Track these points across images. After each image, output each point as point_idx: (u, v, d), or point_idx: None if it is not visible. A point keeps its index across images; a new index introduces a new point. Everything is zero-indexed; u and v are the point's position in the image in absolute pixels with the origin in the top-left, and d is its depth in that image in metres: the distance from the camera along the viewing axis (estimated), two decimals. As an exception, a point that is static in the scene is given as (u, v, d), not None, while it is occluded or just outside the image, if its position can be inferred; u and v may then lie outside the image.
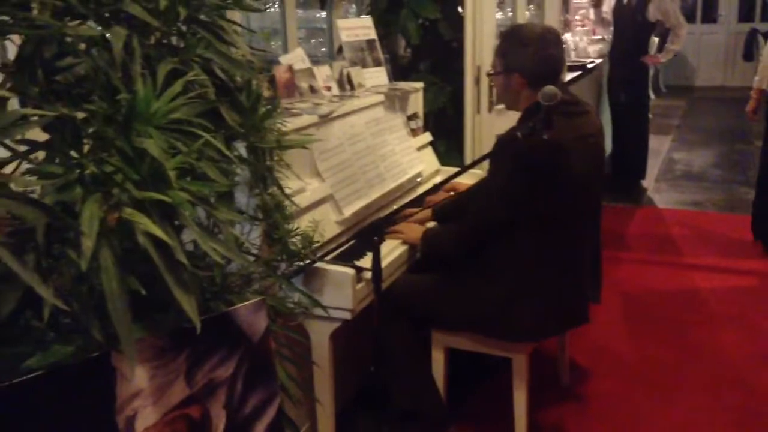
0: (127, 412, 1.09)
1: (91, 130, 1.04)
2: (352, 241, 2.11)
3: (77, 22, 1.09)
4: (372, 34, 2.90)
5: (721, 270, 3.99)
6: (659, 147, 6.97)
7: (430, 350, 2.37)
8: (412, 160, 2.76)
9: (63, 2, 1.04)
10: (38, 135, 1.01)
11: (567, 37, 5.83)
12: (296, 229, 1.73)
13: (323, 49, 3.72)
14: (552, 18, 4.53)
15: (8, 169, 1.00)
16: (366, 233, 1.97)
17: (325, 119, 2.29)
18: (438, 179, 2.91)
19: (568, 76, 4.73)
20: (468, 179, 2.70)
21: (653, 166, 6.14)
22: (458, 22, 3.41)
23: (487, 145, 3.25)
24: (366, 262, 2.05)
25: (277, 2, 3.07)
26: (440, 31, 3.52)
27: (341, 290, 1.97)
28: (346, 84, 2.67)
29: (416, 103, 3.02)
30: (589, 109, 2.24)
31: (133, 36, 1.10)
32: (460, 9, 3.43)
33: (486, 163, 2.17)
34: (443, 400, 2.39)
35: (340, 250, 2.09)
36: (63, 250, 0.97)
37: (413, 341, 2.33)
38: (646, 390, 2.77)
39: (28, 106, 1.03)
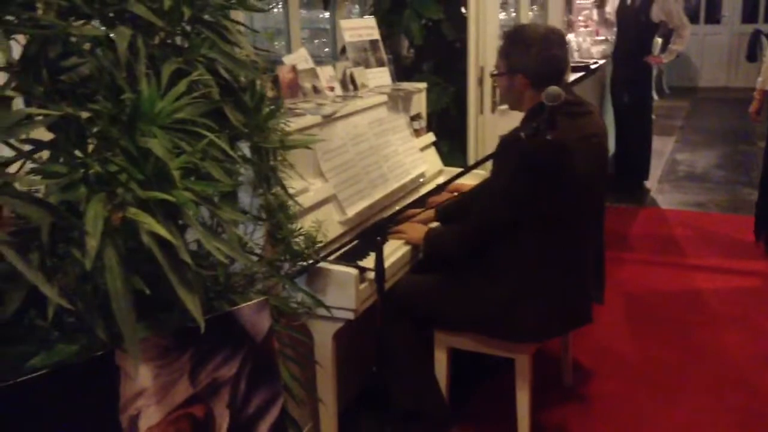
0: (130, 411, 1.09)
1: (95, 129, 1.04)
2: (355, 242, 2.11)
3: (82, 22, 1.09)
4: (375, 35, 2.90)
5: (724, 271, 3.98)
6: (662, 148, 6.96)
7: (433, 350, 2.37)
8: (415, 161, 2.76)
9: (68, 2, 1.04)
10: (43, 134, 1.01)
11: (570, 37, 5.82)
12: (299, 229, 1.73)
13: (326, 49, 3.73)
14: (555, 18, 4.53)
15: (13, 169, 1.00)
16: (369, 233, 1.97)
17: (329, 119, 2.30)
18: (441, 180, 2.91)
19: (572, 77, 4.72)
20: (471, 180, 2.70)
21: (656, 167, 6.13)
22: (461, 22, 3.41)
23: (491, 146, 3.24)
24: (369, 262, 2.05)
25: (281, 2, 3.07)
26: (443, 31, 3.52)
27: (344, 290, 1.97)
28: (349, 84, 2.67)
29: (419, 104, 3.02)
30: (593, 110, 2.24)
31: (138, 36, 1.10)
32: (463, 9, 3.43)
33: (489, 164, 2.17)
34: (446, 400, 2.39)
35: (343, 251, 2.09)
36: (67, 249, 0.97)
37: (416, 341, 2.33)
38: (649, 391, 2.77)
39: (33, 106, 1.03)
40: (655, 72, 6.13)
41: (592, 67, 5.51)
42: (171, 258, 1.01)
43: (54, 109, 1.00)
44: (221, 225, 1.18)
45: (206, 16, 1.26)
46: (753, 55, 9.47)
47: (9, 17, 0.97)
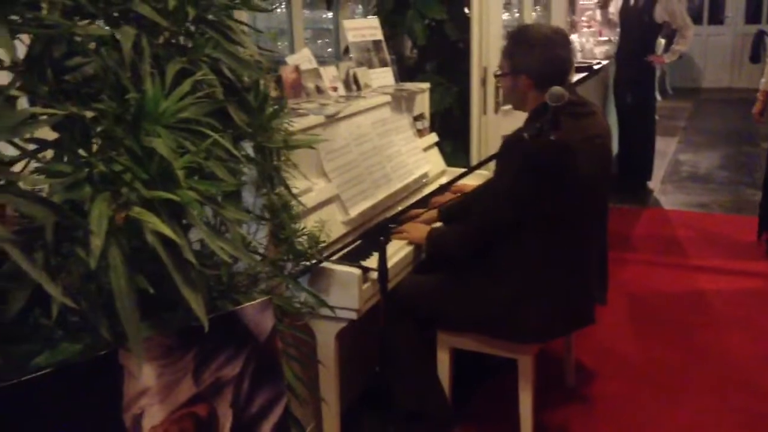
0: (134, 410, 1.09)
1: (99, 129, 1.04)
2: (359, 242, 2.11)
3: (86, 21, 1.09)
4: (378, 35, 2.90)
5: (728, 272, 3.98)
6: (666, 148, 6.96)
7: (436, 351, 2.37)
8: (419, 161, 2.76)
9: (72, 2, 1.04)
10: (47, 134, 1.01)
11: (573, 38, 5.81)
12: (303, 228, 1.73)
13: (330, 49, 3.73)
14: (558, 19, 4.53)
15: (17, 168, 1.01)
16: (372, 233, 1.97)
17: (332, 119, 2.30)
18: (444, 180, 2.91)
19: (575, 78, 4.72)
20: (474, 180, 2.70)
21: (659, 168, 6.13)
22: (465, 22, 3.41)
23: (494, 146, 3.24)
24: (372, 262, 2.05)
25: (284, 3, 3.08)
26: (446, 31, 3.52)
27: (347, 290, 1.97)
28: (353, 84, 2.67)
29: (422, 104, 3.02)
30: (596, 110, 2.24)
31: (142, 36, 1.11)
32: (466, 10, 3.43)
33: (492, 164, 2.17)
34: (448, 400, 2.39)
35: (346, 250, 2.09)
36: (72, 248, 0.97)
37: (419, 342, 2.33)
38: (652, 391, 2.77)
39: (38, 105, 1.03)
40: (658, 73, 6.13)
41: (595, 67, 5.50)
42: (175, 257, 1.01)
43: (58, 109, 1.00)
44: (225, 224, 1.19)
45: (210, 16, 1.27)
46: (756, 56, 9.49)
47: (14, 17, 0.97)
